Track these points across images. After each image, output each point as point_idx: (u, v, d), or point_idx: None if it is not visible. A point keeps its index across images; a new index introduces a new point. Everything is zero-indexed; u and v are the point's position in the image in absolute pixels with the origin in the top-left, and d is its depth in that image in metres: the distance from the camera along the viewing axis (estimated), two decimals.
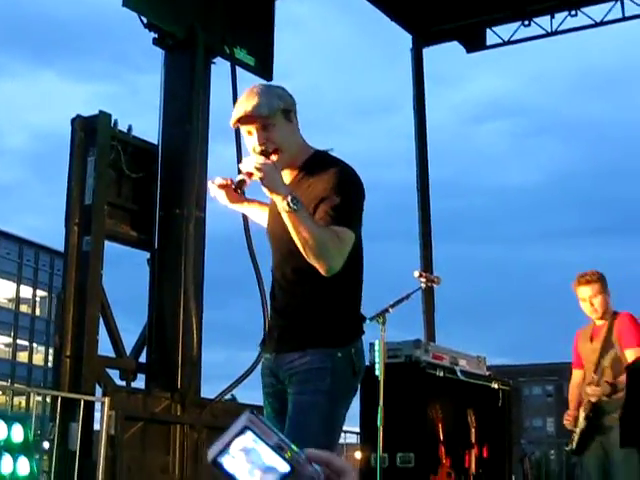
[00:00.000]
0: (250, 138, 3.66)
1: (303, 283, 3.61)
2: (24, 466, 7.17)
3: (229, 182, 3.72)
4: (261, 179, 3.43)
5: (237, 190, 3.54)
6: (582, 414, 6.70)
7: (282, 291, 3.72)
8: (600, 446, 6.66)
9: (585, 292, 6.73)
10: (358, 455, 9.61)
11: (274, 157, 3.60)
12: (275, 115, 3.63)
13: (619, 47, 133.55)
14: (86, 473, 8.25)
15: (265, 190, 3.44)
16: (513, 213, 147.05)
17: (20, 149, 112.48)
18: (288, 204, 3.36)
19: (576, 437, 6.77)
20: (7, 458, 7.04)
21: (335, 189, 3.51)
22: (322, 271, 3.45)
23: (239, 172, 3.60)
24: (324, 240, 3.40)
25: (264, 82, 3.90)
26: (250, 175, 3.48)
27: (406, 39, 14.68)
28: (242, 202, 3.91)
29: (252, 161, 3.48)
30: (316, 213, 3.50)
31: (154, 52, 10.09)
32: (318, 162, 3.64)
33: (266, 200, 3.77)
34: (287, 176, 3.71)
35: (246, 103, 3.64)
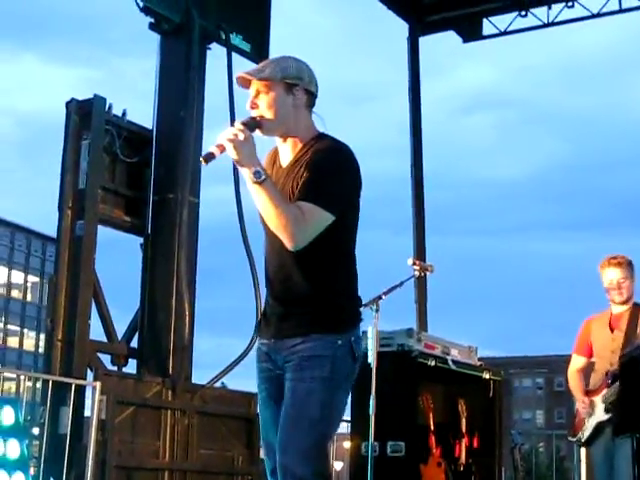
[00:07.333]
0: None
1: (302, 268, 3.57)
2: (14, 449, 7.16)
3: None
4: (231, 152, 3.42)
5: (203, 162, 3.48)
6: (601, 405, 6.49)
7: (280, 276, 3.64)
8: (610, 438, 6.41)
9: (615, 274, 6.58)
10: (347, 444, 9.59)
11: (258, 130, 3.58)
12: (272, 82, 3.59)
13: (612, 39, 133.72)
14: (76, 457, 8.24)
15: (235, 163, 3.43)
16: (502, 205, 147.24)
17: (4, 133, 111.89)
18: (251, 175, 3.37)
19: (591, 428, 6.58)
20: None
21: (320, 166, 3.49)
22: (287, 246, 3.45)
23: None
24: (285, 215, 3.37)
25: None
26: (221, 148, 3.45)
27: (402, 28, 14.67)
28: None
29: (226, 133, 3.44)
30: (298, 188, 3.51)
31: (143, 37, 10.04)
32: (319, 142, 3.61)
33: None
34: (289, 153, 3.69)
35: (252, 67, 3.66)
